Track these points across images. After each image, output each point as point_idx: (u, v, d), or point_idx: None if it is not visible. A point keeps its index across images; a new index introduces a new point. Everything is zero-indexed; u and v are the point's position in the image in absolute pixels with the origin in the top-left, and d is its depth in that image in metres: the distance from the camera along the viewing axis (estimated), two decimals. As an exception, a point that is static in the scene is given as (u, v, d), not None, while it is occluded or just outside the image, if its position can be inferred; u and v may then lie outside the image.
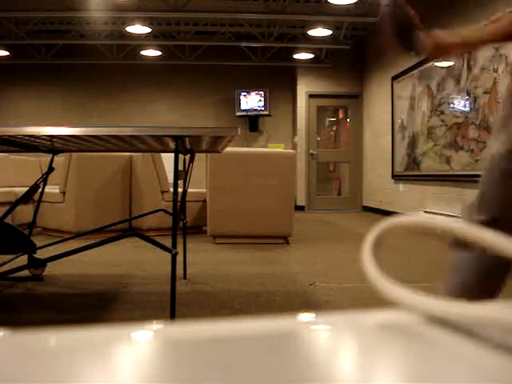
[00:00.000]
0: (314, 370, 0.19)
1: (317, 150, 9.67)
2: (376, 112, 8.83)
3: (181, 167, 2.53)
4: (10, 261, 2.74)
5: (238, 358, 0.20)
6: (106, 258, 3.77)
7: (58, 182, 4.92)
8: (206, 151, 2.93)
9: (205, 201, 5.14)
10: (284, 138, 9.96)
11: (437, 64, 6.29)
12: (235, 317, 0.24)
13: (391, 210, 7.76)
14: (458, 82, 5.68)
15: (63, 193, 4.88)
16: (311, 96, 9.62)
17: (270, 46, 9.32)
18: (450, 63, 5.91)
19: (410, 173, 7.18)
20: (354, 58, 9.45)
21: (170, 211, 2.21)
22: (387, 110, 8.06)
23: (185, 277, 3.12)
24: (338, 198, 10.02)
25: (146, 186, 5.06)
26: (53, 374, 0.19)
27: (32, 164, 6.59)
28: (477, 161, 5.23)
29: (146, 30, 8.21)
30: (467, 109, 5.46)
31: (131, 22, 7.93)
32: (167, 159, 4.83)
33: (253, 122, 9.74)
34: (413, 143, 7.06)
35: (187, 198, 2.89)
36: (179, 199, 2.16)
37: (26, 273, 3.01)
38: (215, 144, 2.32)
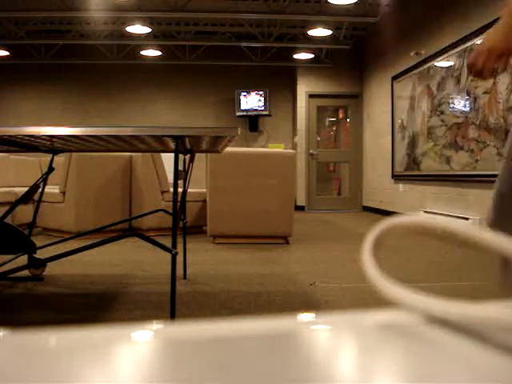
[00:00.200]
0: (314, 370, 0.19)
1: (317, 149, 9.67)
2: (376, 112, 8.83)
3: (181, 167, 2.53)
4: (10, 261, 2.74)
5: (238, 358, 0.20)
6: (106, 258, 3.77)
7: (58, 182, 4.92)
8: (206, 151, 2.93)
9: (205, 201, 5.14)
10: (284, 138, 9.96)
11: (437, 64, 6.29)
12: (235, 317, 0.24)
13: (391, 209, 7.76)
14: (458, 81, 5.68)
15: (63, 193, 4.88)
16: (311, 96, 9.62)
17: (270, 46, 9.32)
18: (451, 63, 5.91)
19: (409, 173, 7.18)
20: (354, 57, 9.45)
21: (170, 211, 2.21)
22: (387, 109, 8.06)
23: (185, 277, 3.12)
24: (338, 197, 10.02)
25: (146, 186, 5.06)
26: (53, 374, 0.19)
27: (32, 164, 6.59)
28: (477, 161, 5.23)
29: (146, 29, 8.21)
30: (467, 109, 5.46)
31: (131, 21, 7.93)
32: (167, 159, 4.83)
33: (253, 122, 9.74)
34: (413, 143, 7.06)
35: (187, 198, 2.90)
36: (179, 199, 2.16)
37: (26, 273, 3.01)
38: (215, 144, 2.32)
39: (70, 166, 4.80)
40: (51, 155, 2.85)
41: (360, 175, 9.59)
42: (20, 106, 9.59)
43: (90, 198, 4.90)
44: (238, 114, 9.66)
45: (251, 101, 9.61)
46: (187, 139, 1.99)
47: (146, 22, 8.03)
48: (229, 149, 4.42)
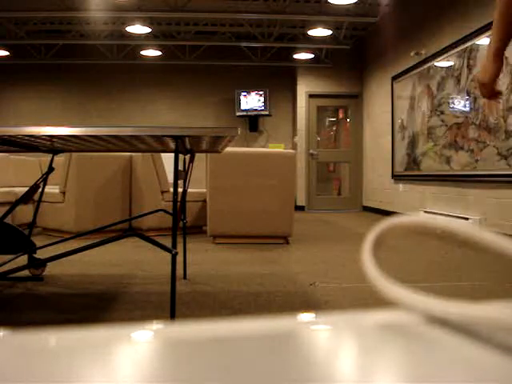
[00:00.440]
0: (314, 370, 0.19)
1: (317, 150, 9.67)
2: (376, 112, 8.83)
3: (181, 167, 2.53)
4: (10, 261, 2.74)
5: (238, 358, 0.20)
6: (106, 258, 3.77)
7: (57, 182, 4.93)
8: (206, 151, 2.93)
9: (205, 201, 5.14)
10: (284, 138, 9.96)
11: (437, 64, 6.29)
12: (235, 317, 0.24)
13: (391, 209, 7.76)
14: (458, 81, 5.68)
15: (63, 193, 4.88)
16: (311, 96, 9.62)
17: (270, 46, 9.32)
18: (451, 63, 5.91)
19: (409, 173, 7.18)
20: (354, 58, 9.45)
21: (170, 211, 2.21)
22: (387, 109, 8.06)
23: (185, 277, 3.12)
24: (338, 198, 10.02)
25: (146, 186, 5.06)
26: (53, 374, 0.19)
27: (32, 164, 6.59)
28: (477, 161, 5.23)
29: (146, 29, 8.21)
30: (467, 109, 5.46)
31: (131, 21, 7.93)
32: (167, 159, 4.83)
33: (253, 122, 9.74)
34: (413, 143, 7.06)
35: (187, 198, 2.90)
36: (179, 199, 2.16)
37: (26, 273, 3.01)
38: (215, 144, 2.32)
39: (70, 165, 4.80)
40: (51, 155, 2.85)
41: (360, 175, 9.60)
42: (20, 106, 9.59)
43: (90, 198, 4.90)
44: (238, 114, 9.66)
45: (251, 101, 9.61)
46: (187, 139, 1.99)
47: (146, 21, 8.04)
48: (229, 149, 4.42)
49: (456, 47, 5.74)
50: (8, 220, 3.14)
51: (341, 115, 10.20)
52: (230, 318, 0.24)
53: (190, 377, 0.19)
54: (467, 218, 5.23)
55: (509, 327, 0.21)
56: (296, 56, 9.41)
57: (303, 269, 3.50)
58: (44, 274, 3.11)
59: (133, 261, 3.71)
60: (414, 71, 6.95)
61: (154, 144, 2.31)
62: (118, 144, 2.30)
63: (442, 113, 6.10)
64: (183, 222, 2.98)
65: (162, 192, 5.11)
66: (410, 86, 7.12)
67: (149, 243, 1.97)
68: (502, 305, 0.23)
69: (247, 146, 9.47)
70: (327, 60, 9.53)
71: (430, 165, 6.49)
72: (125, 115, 9.63)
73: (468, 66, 5.45)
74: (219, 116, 9.84)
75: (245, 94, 9.59)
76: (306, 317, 0.26)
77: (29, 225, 3.19)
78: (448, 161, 5.93)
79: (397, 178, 7.70)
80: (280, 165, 4.59)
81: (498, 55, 1.66)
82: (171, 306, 1.88)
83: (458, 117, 5.70)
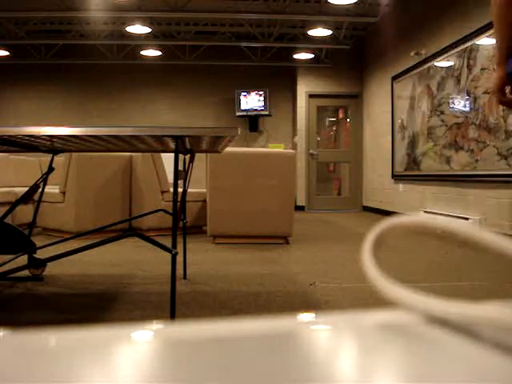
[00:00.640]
0: (314, 370, 0.19)
1: (317, 150, 9.67)
2: (376, 112, 8.83)
3: (181, 167, 2.53)
4: (10, 261, 2.74)
5: (238, 358, 0.20)
6: (106, 258, 3.77)
7: (57, 182, 4.93)
8: (206, 151, 2.93)
9: (205, 201, 5.14)
10: (284, 138, 9.96)
11: (437, 64, 6.30)
12: (235, 317, 0.24)
13: (391, 210, 7.76)
14: (458, 81, 5.68)
15: (63, 193, 4.88)
16: (311, 96, 9.62)
17: (270, 46, 9.32)
18: (451, 63, 5.91)
19: (409, 173, 7.18)
20: (354, 58, 9.45)
21: (170, 211, 2.21)
22: (387, 109, 8.06)
23: (185, 277, 3.12)
24: (338, 197, 10.02)
25: (146, 186, 5.06)
26: (53, 374, 0.19)
27: (32, 164, 6.59)
28: (477, 161, 5.23)
29: (146, 29, 8.21)
30: (467, 109, 5.46)
31: (131, 21, 7.93)
32: (167, 159, 4.83)
33: (253, 122, 9.74)
34: (413, 143, 7.06)
35: (187, 198, 2.90)
36: (179, 199, 2.16)
37: (26, 273, 3.01)
38: (215, 144, 2.32)
39: (70, 165, 4.80)
40: (51, 155, 2.85)
41: (360, 175, 9.59)
42: (20, 106, 9.59)
43: (90, 198, 4.90)
44: (238, 114, 9.66)
45: (251, 101, 9.61)
46: (187, 139, 1.99)
47: (146, 21, 8.03)
48: (229, 149, 4.42)
49: (456, 47, 5.74)
50: (8, 220, 3.14)
51: (341, 115, 10.20)
52: (230, 317, 0.24)
53: (190, 377, 0.19)
54: (467, 218, 5.23)
55: (509, 327, 0.21)
56: (296, 56, 9.41)
57: (303, 269, 3.50)
58: (44, 273, 3.11)
59: (133, 261, 3.71)
60: (414, 71, 6.95)
61: (154, 144, 2.31)
62: (117, 144, 2.30)
63: (442, 113, 6.10)
64: (183, 222, 2.98)
65: (162, 192, 5.11)
66: (410, 86, 7.12)
67: (149, 243, 1.97)
68: (502, 305, 0.23)
69: (247, 146, 9.47)
70: (327, 60, 9.53)
71: (429, 165, 6.49)
72: (125, 115, 9.63)
73: (468, 66, 5.45)
74: (219, 116, 9.84)
75: (245, 94, 9.59)
76: (305, 317, 0.26)
77: (29, 225, 3.19)
78: (448, 161, 5.93)
79: (397, 177, 7.70)
80: (280, 165, 4.59)
81: (501, 63, 1.66)
82: (171, 306, 1.88)
83: (458, 117, 5.70)
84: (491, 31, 1.69)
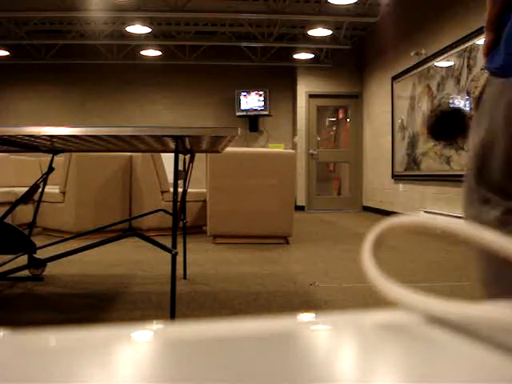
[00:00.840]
0: (314, 370, 0.19)
1: (317, 149, 9.67)
2: (376, 112, 8.83)
3: (181, 167, 2.53)
4: (10, 261, 2.74)
5: (238, 358, 0.20)
6: (106, 258, 3.77)
7: (57, 182, 4.92)
8: (206, 151, 2.93)
9: (205, 201, 5.14)
10: (284, 138, 9.96)
11: (437, 64, 6.29)
12: (235, 317, 0.24)
13: (391, 210, 7.76)
14: (458, 82, 5.68)
15: (63, 193, 4.88)
16: (311, 96, 9.62)
17: (269, 46, 9.32)
18: (451, 63, 5.91)
19: (409, 173, 7.18)
20: (354, 58, 9.45)
21: (170, 211, 2.21)
22: (387, 109, 8.06)
23: (185, 277, 3.12)
24: (337, 198, 10.02)
25: (146, 186, 5.06)
26: (53, 374, 0.19)
27: (32, 164, 6.59)
28: (477, 161, 5.22)
29: (146, 29, 8.21)
30: (467, 109, 5.46)
31: (131, 21, 7.93)
32: (167, 159, 4.83)
33: (253, 122, 9.74)
34: (413, 143, 7.06)
35: (187, 198, 2.90)
36: (179, 199, 2.16)
37: (26, 273, 3.01)
38: (215, 144, 2.32)
39: (69, 165, 4.80)
40: (51, 155, 2.85)
41: (360, 175, 9.59)
42: (20, 105, 9.59)
43: (90, 198, 4.90)
44: (238, 114, 9.66)
45: (251, 101, 9.61)
46: (187, 139, 1.99)
47: (146, 21, 8.03)
48: (229, 149, 4.41)
49: (456, 47, 5.74)
50: (8, 220, 3.14)
51: (341, 115, 10.20)
52: (230, 318, 0.24)
53: (190, 377, 0.19)
54: (467, 218, 5.22)
55: (509, 327, 0.21)
56: (296, 56, 9.41)
57: (303, 269, 3.50)
58: (44, 273, 3.11)
59: (133, 261, 3.71)
60: (414, 71, 6.95)
61: (154, 144, 2.31)
62: (118, 144, 2.30)
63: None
64: (183, 222, 2.98)
65: (162, 192, 5.11)
66: (410, 86, 7.12)
67: (149, 243, 1.97)
68: (502, 305, 0.23)
69: (247, 146, 9.47)
70: (327, 60, 9.53)
71: (430, 165, 6.49)
72: (125, 115, 9.63)
73: (468, 66, 5.45)
74: (219, 116, 9.84)
75: (245, 94, 9.59)
76: (305, 317, 0.26)
77: (29, 225, 3.19)
78: (448, 161, 5.93)
79: (397, 178, 7.70)
80: (280, 165, 4.59)
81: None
82: (171, 306, 1.88)
83: (457, 117, 5.69)
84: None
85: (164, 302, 2.49)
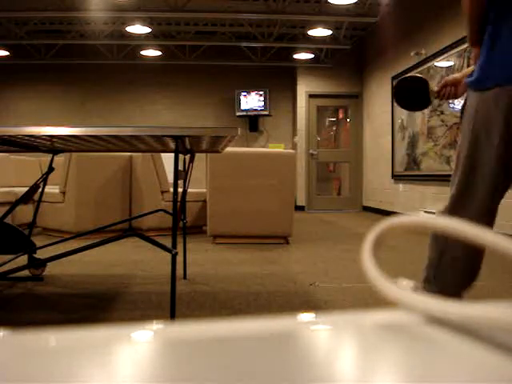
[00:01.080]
0: (314, 370, 0.19)
1: (317, 149, 9.67)
2: (376, 112, 8.83)
3: (181, 167, 2.53)
4: (10, 261, 2.74)
5: (238, 358, 0.20)
6: (106, 258, 3.77)
7: (57, 182, 4.92)
8: (206, 151, 2.93)
9: (205, 201, 5.14)
10: (284, 138, 9.96)
11: (437, 64, 6.29)
12: (235, 317, 0.24)
13: (391, 210, 7.76)
14: (458, 81, 5.67)
15: (63, 193, 4.88)
16: (311, 96, 9.62)
17: (270, 46, 9.32)
18: (451, 63, 5.91)
19: (409, 173, 7.18)
20: (354, 58, 9.45)
21: (170, 211, 2.21)
22: (387, 109, 8.06)
23: (185, 277, 3.12)
24: (337, 198, 10.02)
25: (146, 186, 5.06)
26: (53, 374, 0.19)
27: (32, 164, 6.59)
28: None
29: (146, 29, 8.21)
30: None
31: (131, 21, 7.93)
32: (167, 159, 4.83)
33: (253, 122, 9.74)
34: (413, 143, 7.06)
35: (187, 198, 2.90)
36: (179, 199, 2.16)
37: (26, 273, 3.01)
38: (215, 144, 2.32)
39: (69, 165, 4.80)
40: (51, 155, 2.85)
41: (360, 175, 9.59)
42: (20, 105, 9.59)
43: (90, 198, 4.90)
44: (238, 114, 9.66)
45: (251, 101, 9.61)
46: (187, 139, 1.99)
47: (145, 21, 8.03)
48: (229, 149, 4.41)
49: (456, 47, 5.74)
50: (8, 220, 3.14)
51: (341, 115, 10.20)
52: (230, 318, 0.24)
53: (190, 377, 0.19)
54: (467, 218, 5.23)
55: (509, 327, 0.21)
56: (296, 56, 9.41)
57: (303, 269, 3.50)
58: (44, 273, 3.11)
59: (133, 261, 3.71)
60: (414, 71, 6.95)
61: (154, 144, 2.31)
62: (118, 144, 2.30)
63: (442, 113, 6.10)
64: (183, 222, 2.98)
65: (162, 192, 5.11)
66: (410, 86, 7.11)
67: (149, 243, 1.97)
68: (502, 305, 0.23)
69: (247, 146, 9.47)
70: (327, 60, 9.53)
71: (430, 165, 6.49)
72: (125, 115, 9.63)
73: (468, 66, 5.45)
74: (219, 116, 9.84)
75: (245, 94, 9.59)
76: (306, 317, 0.26)
77: (29, 225, 3.19)
78: (448, 161, 5.93)
79: (397, 178, 7.70)
80: (280, 165, 4.59)
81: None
82: (171, 306, 1.88)
83: (458, 117, 5.70)
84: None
85: (164, 301, 2.49)
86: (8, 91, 9.56)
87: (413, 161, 7.06)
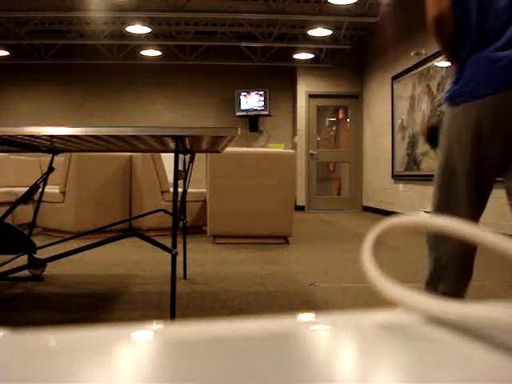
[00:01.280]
0: (314, 370, 0.19)
1: (317, 149, 9.67)
2: (376, 112, 8.83)
3: (181, 167, 2.53)
4: (10, 261, 2.74)
5: (238, 358, 0.20)
6: (106, 258, 3.77)
7: (57, 182, 4.92)
8: (206, 151, 2.93)
9: (205, 201, 5.14)
10: (284, 138, 9.96)
11: (437, 64, 6.29)
12: (235, 317, 0.24)
13: (391, 210, 7.76)
14: (457, 81, 5.68)
15: (63, 193, 4.88)
16: (311, 96, 9.62)
17: (270, 46, 9.32)
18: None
19: (409, 173, 7.18)
20: (354, 58, 9.45)
21: (170, 211, 2.21)
22: (387, 109, 8.06)
23: (185, 277, 3.12)
24: (337, 198, 10.02)
25: (146, 186, 5.06)
26: (53, 374, 0.19)
27: (32, 164, 6.59)
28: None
29: (146, 29, 8.21)
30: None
31: (131, 21, 7.93)
32: (167, 159, 4.83)
33: (253, 122, 9.74)
34: (413, 143, 7.06)
35: (187, 198, 2.90)
36: (179, 199, 2.16)
37: (26, 273, 3.01)
38: (215, 144, 2.32)
39: (69, 165, 4.80)
40: (51, 155, 2.85)
41: (360, 175, 9.59)
42: (20, 105, 9.59)
43: (90, 198, 4.90)
44: (238, 114, 9.66)
45: (251, 101, 9.61)
46: (187, 139, 1.99)
47: (145, 21, 8.03)
48: (229, 149, 4.41)
49: (456, 47, 5.73)
50: (8, 220, 3.14)
51: (341, 115, 10.20)
52: (230, 318, 0.24)
53: (190, 377, 0.19)
54: (467, 218, 5.23)
55: (509, 327, 0.21)
56: (296, 56, 9.41)
57: (303, 269, 3.50)
58: (44, 273, 3.11)
59: (133, 261, 3.71)
60: (414, 71, 6.95)
61: (154, 144, 2.31)
62: (118, 144, 2.30)
63: (442, 113, 6.10)
64: (183, 222, 2.98)
65: (162, 192, 5.11)
66: (410, 86, 7.12)
67: (149, 243, 1.97)
68: (502, 305, 0.23)
69: (247, 146, 9.46)
70: (327, 60, 9.53)
71: (430, 165, 6.49)
72: (125, 115, 9.63)
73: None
74: (219, 116, 9.84)
75: (245, 94, 9.59)
76: (306, 317, 0.26)
77: (29, 225, 3.19)
78: (448, 161, 5.92)
79: (397, 178, 7.70)
80: (280, 165, 4.59)
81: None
82: (171, 306, 1.88)
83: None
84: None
85: (164, 302, 2.49)
86: (8, 91, 9.56)
87: (413, 161, 7.06)
